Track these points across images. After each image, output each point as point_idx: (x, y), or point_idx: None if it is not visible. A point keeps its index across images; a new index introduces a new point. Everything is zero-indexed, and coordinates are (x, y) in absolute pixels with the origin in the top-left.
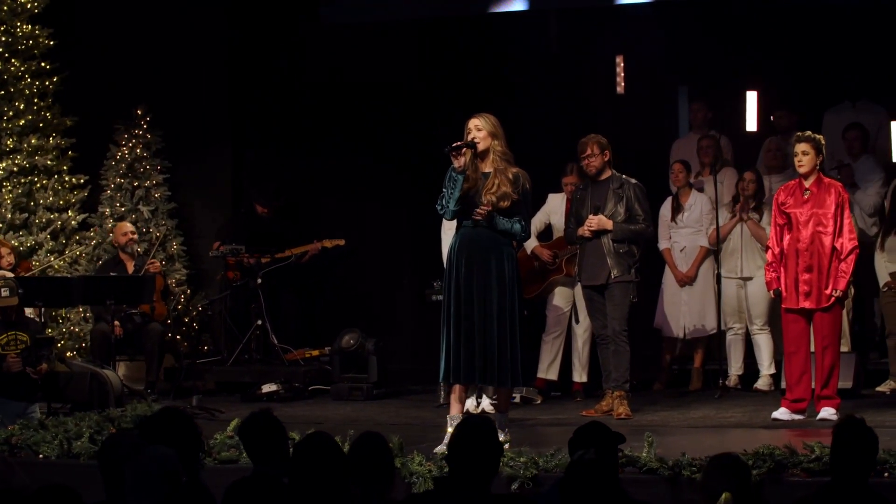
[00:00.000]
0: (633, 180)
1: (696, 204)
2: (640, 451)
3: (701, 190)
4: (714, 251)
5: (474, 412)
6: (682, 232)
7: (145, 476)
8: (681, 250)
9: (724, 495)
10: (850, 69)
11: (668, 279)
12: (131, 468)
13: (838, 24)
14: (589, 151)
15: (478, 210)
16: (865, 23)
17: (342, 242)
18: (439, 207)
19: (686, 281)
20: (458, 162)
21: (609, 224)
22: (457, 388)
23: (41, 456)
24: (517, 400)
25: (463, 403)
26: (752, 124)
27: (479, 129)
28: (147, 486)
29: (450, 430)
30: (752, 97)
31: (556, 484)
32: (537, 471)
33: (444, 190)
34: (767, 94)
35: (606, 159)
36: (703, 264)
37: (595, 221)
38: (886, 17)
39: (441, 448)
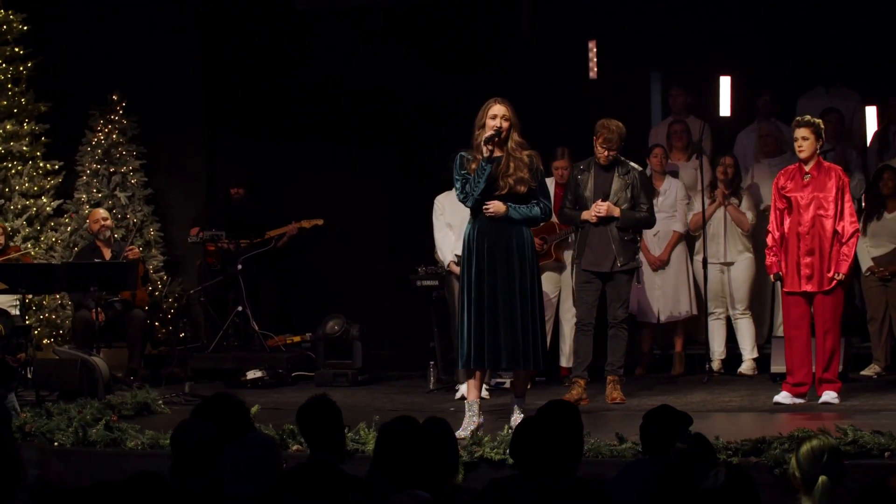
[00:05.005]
0: (638, 167)
1: (671, 189)
2: None
3: (676, 175)
4: (694, 236)
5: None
6: (657, 217)
7: (247, 461)
8: (654, 235)
9: (820, 479)
10: (824, 54)
11: (643, 264)
12: (232, 454)
13: (811, 9)
14: (613, 138)
15: (489, 210)
16: (838, 7)
17: (320, 222)
18: (462, 196)
19: (659, 265)
20: (488, 152)
21: (616, 212)
22: (477, 374)
23: (56, 444)
24: (507, 385)
25: (480, 390)
26: (725, 109)
27: (506, 119)
28: (249, 471)
29: (469, 415)
30: (725, 82)
31: (627, 469)
32: None
33: (457, 176)
34: (741, 80)
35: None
36: (677, 249)
37: (604, 208)
38: (858, 1)
39: (462, 433)
